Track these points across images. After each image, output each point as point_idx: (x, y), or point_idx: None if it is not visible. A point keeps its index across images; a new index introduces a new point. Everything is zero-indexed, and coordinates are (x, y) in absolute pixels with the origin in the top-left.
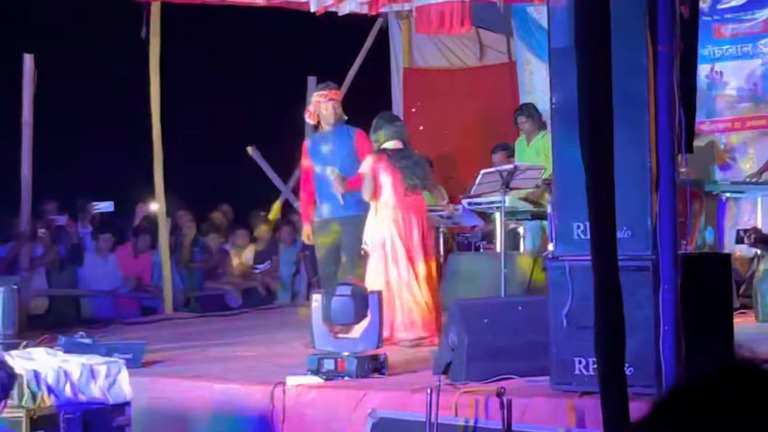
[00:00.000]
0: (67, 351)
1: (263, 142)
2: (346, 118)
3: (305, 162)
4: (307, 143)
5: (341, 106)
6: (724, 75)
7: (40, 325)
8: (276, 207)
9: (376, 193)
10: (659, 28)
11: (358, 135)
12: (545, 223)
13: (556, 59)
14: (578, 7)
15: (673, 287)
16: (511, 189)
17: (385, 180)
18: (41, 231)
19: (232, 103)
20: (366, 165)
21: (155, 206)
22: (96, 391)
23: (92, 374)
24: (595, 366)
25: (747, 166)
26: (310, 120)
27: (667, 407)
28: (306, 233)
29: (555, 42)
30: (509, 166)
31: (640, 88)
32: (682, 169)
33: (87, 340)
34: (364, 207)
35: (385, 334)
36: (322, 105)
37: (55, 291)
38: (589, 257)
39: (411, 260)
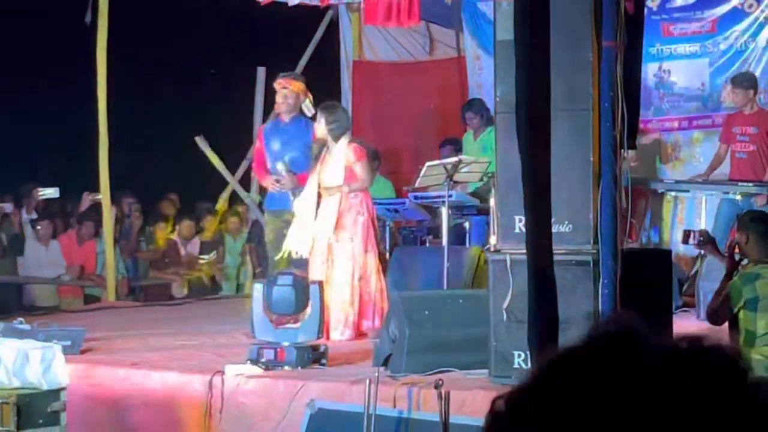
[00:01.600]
0: (4, 336)
1: (212, 132)
2: (310, 111)
3: (257, 144)
4: (264, 128)
5: (299, 97)
6: (672, 74)
7: None
8: (223, 198)
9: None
10: (604, 24)
11: (315, 128)
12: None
13: (502, 52)
14: (519, 1)
15: (613, 281)
16: (456, 183)
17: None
18: None
19: (181, 92)
20: (358, 154)
21: (101, 195)
22: (31, 375)
23: (27, 359)
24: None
25: (692, 165)
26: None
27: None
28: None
29: (500, 35)
30: (454, 159)
31: (585, 84)
32: (633, 164)
33: (25, 326)
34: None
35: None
36: (277, 92)
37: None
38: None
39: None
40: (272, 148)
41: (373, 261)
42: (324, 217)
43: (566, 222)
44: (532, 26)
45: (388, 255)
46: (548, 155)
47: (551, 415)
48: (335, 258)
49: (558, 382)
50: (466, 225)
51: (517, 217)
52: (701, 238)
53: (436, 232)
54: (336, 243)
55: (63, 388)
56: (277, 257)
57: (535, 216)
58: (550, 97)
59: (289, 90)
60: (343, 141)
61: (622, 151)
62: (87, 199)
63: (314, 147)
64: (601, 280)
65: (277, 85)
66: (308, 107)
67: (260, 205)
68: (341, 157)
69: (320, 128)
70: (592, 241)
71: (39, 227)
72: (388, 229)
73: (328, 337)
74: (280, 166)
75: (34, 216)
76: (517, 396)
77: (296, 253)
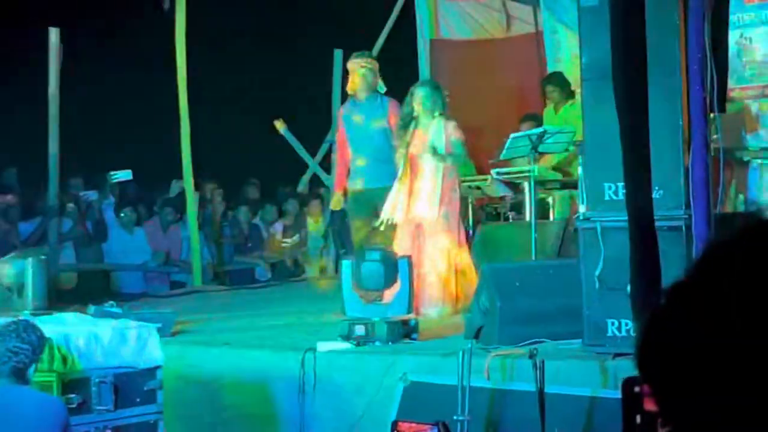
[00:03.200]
0: (97, 317)
1: (291, 116)
2: (383, 89)
3: (339, 134)
4: (341, 111)
5: (374, 76)
6: (753, 41)
7: (69, 299)
8: (304, 181)
9: None
10: None
11: (391, 105)
12: (575, 192)
13: (586, 18)
14: None
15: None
16: (540, 154)
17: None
18: (69, 206)
19: (259, 77)
20: (456, 130)
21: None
22: (127, 354)
23: (123, 338)
24: (628, 327)
25: None
26: (350, 90)
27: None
28: (336, 200)
29: (584, 1)
30: (539, 130)
31: (672, 47)
32: (714, 136)
33: (117, 309)
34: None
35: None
36: (354, 73)
37: (84, 265)
38: (621, 218)
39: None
40: (351, 128)
41: (463, 237)
42: (425, 190)
43: (657, 187)
44: None
45: (471, 232)
46: (647, 118)
47: (717, 305)
48: (429, 233)
49: (723, 269)
50: (549, 200)
51: (606, 185)
52: None
53: (519, 208)
54: (434, 218)
55: (159, 367)
56: (374, 226)
57: (636, 179)
58: (646, 59)
59: (366, 69)
60: (443, 117)
61: (711, 114)
62: (178, 187)
63: (400, 123)
64: (694, 244)
65: (353, 65)
66: (381, 83)
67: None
68: (440, 131)
69: (418, 106)
70: (684, 206)
71: (123, 215)
72: (471, 206)
73: (417, 313)
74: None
75: (111, 200)
76: (681, 288)
77: (389, 221)
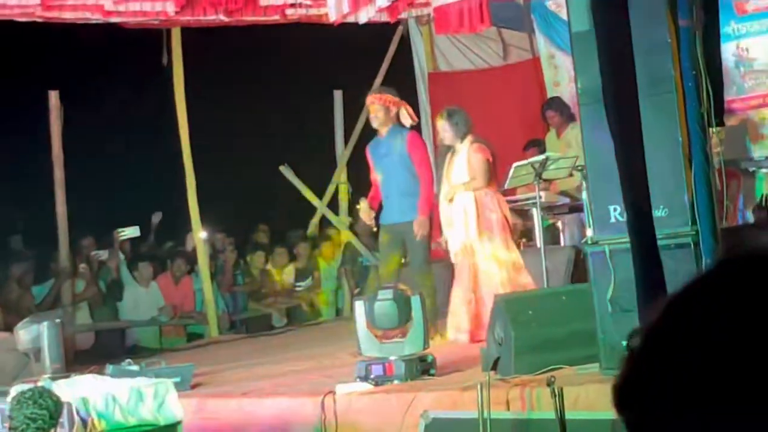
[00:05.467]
0: (114, 377)
1: (295, 160)
2: (408, 123)
3: (372, 174)
4: (367, 150)
5: (388, 111)
6: (751, 51)
7: (87, 360)
8: (314, 224)
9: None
10: (679, 3)
11: (409, 137)
12: (583, 215)
13: (578, 43)
14: None
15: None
16: (545, 180)
17: None
18: (82, 266)
19: (261, 124)
20: (477, 151)
21: (200, 233)
22: (146, 412)
23: (141, 396)
24: None
25: None
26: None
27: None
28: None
29: (575, 26)
30: (541, 157)
31: (665, 65)
32: (717, 149)
33: (134, 367)
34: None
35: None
36: (369, 111)
37: (99, 324)
38: (628, 240)
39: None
40: (378, 165)
41: (518, 257)
42: (461, 216)
43: (662, 206)
44: (610, 9)
45: None
46: (641, 138)
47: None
48: (479, 258)
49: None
50: (559, 225)
51: (611, 207)
52: None
53: (528, 235)
54: (477, 242)
55: (179, 422)
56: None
57: (635, 201)
58: (636, 79)
59: (376, 105)
60: (467, 140)
61: (710, 129)
62: (191, 239)
63: (439, 159)
64: (703, 260)
65: (367, 102)
66: (405, 116)
67: (351, 226)
68: (464, 156)
69: (446, 134)
70: (690, 223)
71: (140, 269)
72: None
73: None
74: (363, 204)
75: (120, 257)
76: (655, 328)
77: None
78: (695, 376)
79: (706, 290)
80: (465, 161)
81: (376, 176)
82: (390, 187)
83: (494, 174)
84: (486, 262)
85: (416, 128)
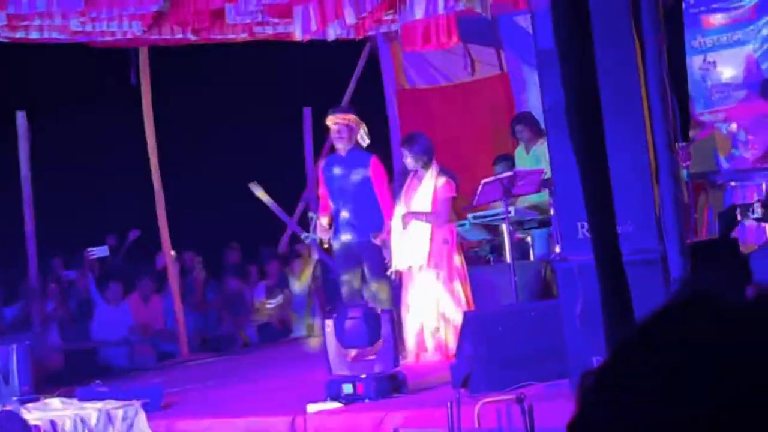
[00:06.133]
0: (83, 400)
1: (265, 177)
2: (365, 141)
3: (322, 190)
4: (320, 165)
5: (352, 131)
6: (718, 64)
7: (57, 380)
8: (284, 241)
9: None
10: (643, 20)
11: (373, 162)
12: (553, 230)
13: (544, 60)
14: (556, 5)
15: (683, 277)
16: (514, 196)
17: None
18: (52, 286)
19: (230, 140)
20: (447, 189)
21: (170, 252)
22: None
23: (109, 419)
24: None
25: (748, 153)
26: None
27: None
28: (324, 226)
29: (541, 44)
30: (508, 173)
31: (631, 82)
32: (685, 163)
33: (103, 389)
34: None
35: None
36: (331, 129)
37: (69, 345)
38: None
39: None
40: (332, 183)
41: (461, 288)
42: (415, 243)
43: (629, 222)
44: (571, 26)
45: None
46: (604, 154)
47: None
48: (419, 285)
49: (647, 350)
50: (529, 239)
51: (579, 223)
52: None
53: (499, 250)
54: (421, 271)
55: None
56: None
57: (599, 217)
58: (599, 96)
59: (341, 124)
60: (433, 170)
61: (677, 144)
62: (162, 259)
63: (402, 179)
64: (671, 276)
65: (329, 121)
66: (363, 137)
67: (321, 243)
68: (429, 187)
69: (408, 160)
70: (657, 239)
71: (110, 289)
72: None
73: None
74: (323, 221)
75: (90, 277)
76: (609, 368)
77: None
78: (636, 426)
79: (656, 339)
80: (429, 193)
81: (327, 192)
82: (345, 206)
83: (455, 209)
84: (425, 289)
85: (385, 146)
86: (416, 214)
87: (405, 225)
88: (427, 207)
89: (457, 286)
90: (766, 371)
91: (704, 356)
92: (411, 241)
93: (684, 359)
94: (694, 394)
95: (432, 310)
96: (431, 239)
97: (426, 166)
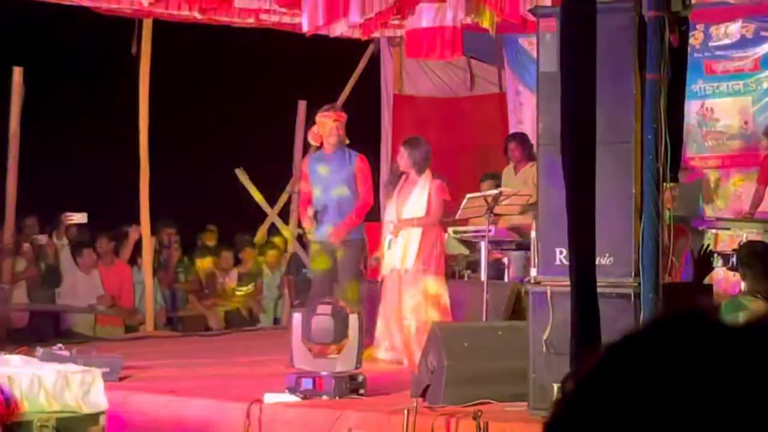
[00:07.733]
0: (43, 361)
1: (252, 165)
2: (347, 142)
3: (304, 185)
4: (306, 162)
5: (344, 129)
6: (715, 112)
7: (19, 339)
8: (262, 231)
9: None
10: (648, 56)
11: (359, 160)
12: (530, 253)
13: (545, 84)
14: (564, 32)
15: (654, 315)
16: (496, 215)
17: None
18: (25, 245)
19: (221, 124)
20: (440, 191)
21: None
22: (70, 399)
23: (67, 382)
24: None
25: (733, 204)
26: (313, 141)
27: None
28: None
29: (544, 66)
30: (494, 191)
31: (627, 116)
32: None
33: (64, 352)
34: (362, 231)
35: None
36: (325, 126)
37: (35, 306)
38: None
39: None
40: (317, 179)
41: (444, 294)
42: (406, 246)
43: (607, 254)
44: (577, 56)
45: None
46: (593, 187)
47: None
48: (404, 286)
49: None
50: (505, 260)
51: (557, 249)
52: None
53: (474, 267)
54: (408, 273)
55: (102, 412)
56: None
57: (580, 248)
58: (594, 127)
59: (338, 123)
60: (427, 174)
61: (665, 184)
62: (136, 232)
63: (391, 176)
64: (642, 313)
65: (327, 117)
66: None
67: (299, 237)
68: (424, 190)
69: (403, 161)
70: (633, 274)
71: (84, 255)
72: None
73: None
74: (310, 211)
75: (65, 242)
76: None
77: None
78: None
79: (642, 347)
80: (424, 195)
81: (310, 189)
82: (328, 204)
83: (445, 214)
84: (411, 291)
85: (375, 149)
86: (408, 221)
87: (396, 233)
88: (421, 212)
89: (441, 290)
90: (748, 385)
91: (688, 367)
92: (400, 248)
93: (668, 369)
94: (675, 404)
95: (417, 311)
96: (421, 241)
97: (420, 171)
